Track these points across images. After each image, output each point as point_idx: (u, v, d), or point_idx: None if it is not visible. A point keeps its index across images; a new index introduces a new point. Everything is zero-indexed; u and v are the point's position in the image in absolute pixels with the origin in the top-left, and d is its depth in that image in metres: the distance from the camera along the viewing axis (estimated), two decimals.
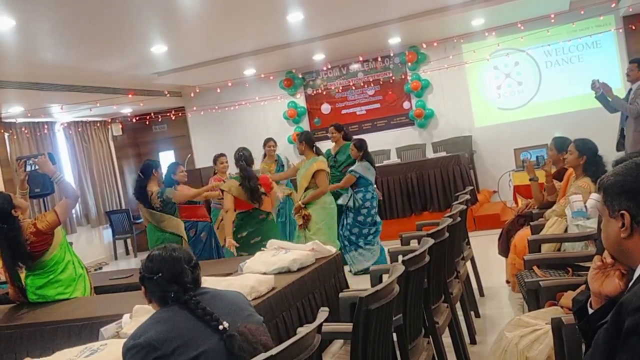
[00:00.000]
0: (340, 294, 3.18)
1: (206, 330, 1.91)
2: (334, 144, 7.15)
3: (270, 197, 5.36)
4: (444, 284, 3.62)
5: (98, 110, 9.74)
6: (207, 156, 10.69)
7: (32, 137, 9.69)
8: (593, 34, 9.19)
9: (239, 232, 5.25)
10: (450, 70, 9.87)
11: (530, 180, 4.99)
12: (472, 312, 4.46)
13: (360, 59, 10.32)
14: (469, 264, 4.94)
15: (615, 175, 1.56)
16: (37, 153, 7.17)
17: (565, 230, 4.07)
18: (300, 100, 10.99)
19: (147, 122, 11.55)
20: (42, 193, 7.81)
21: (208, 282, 2.72)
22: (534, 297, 3.00)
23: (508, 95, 9.88)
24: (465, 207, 4.55)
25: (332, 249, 3.93)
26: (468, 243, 5.08)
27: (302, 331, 1.86)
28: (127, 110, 10.95)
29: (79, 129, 10.78)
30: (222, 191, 5.27)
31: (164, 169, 5.70)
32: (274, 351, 1.63)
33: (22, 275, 3.94)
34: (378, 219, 6.70)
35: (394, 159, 9.77)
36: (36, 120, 9.68)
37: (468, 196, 5.01)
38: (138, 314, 2.68)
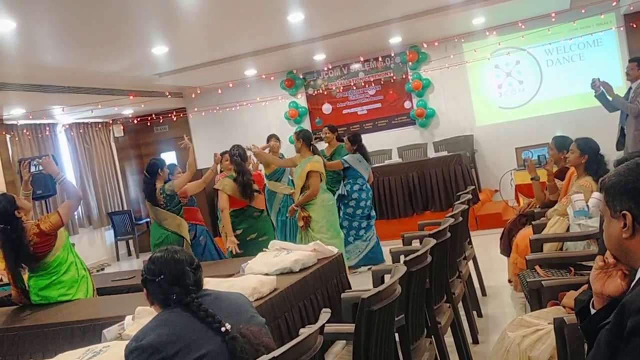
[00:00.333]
0: (343, 295, 3.18)
1: (208, 332, 1.91)
2: (327, 144, 7.17)
3: (263, 195, 5.51)
4: (446, 284, 3.62)
5: (99, 112, 9.74)
6: (209, 157, 10.68)
7: (34, 139, 9.70)
8: (594, 32, 9.18)
9: (235, 230, 5.37)
10: (451, 70, 9.87)
11: (531, 179, 4.99)
12: (475, 312, 4.45)
13: (361, 58, 10.32)
14: (471, 263, 4.93)
15: (617, 176, 1.56)
16: (40, 154, 7.20)
17: (567, 230, 4.07)
18: (302, 100, 10.99)
19: (149, 123, 11.56)
20: (44, 195, 7.83)
21: (210, 283, 2.72)
22: (536, 297, 3.00)
23: (509, 94, 9.87)
24: (466, 206, 4.54)
25: (334, 250, 3.92)
26: (470, 243, 5.08)
27: (304, 332, 1.86)
28: (128, 112, 10.96)
29: (81, 131, 10.79)
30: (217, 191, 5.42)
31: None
32: (276, 353, 1.63)
33: (25, 277, 3.95)
34: (373, 213, 6.76)
35: (395, 158, 9.77)
36: (38, 122, 9.69)
37: (470, 196, 5.00)
38: (140, 316, 2.68)
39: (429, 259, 2.98)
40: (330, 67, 10.58)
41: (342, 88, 10.73)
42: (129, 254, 11.18)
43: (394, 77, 10.38)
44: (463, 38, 9.57)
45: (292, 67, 10.55)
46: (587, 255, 3.52)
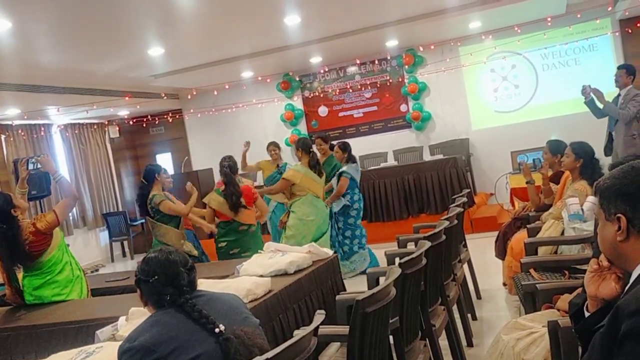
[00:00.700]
0: (337, 297, 3.17)
1: (202, 333, 1.91)
2: (321, 155, 6.87)
3: (252, 210, 5.39)
4: (441, 287, 3.62)
5: (95, 113, 9.72)
6: (205, 158, 10.73)
7: (29, 139, 9.68)
8: (590, 37, 9.21)
9: (220, 242, 5.37)
10: (448, 73, 9.89)
11: (526, 183, 5.00)
12: (469, 315, 4.46)
13: (358, 61, 10.33)
14: (465, 266, 4.94)
15: (612, 179, 1.57)
16: (37, 154, 7.17)
17: (562, 233, 4.08)
18: (298, 102, 10.99)
19: (144, 125, 11.54)
20: (39, 195, 7.88)
21: (204, 284, 2.72)
22: (531, 300, 3.01)
23: (505, 98, 9.90)
24: (462, 209, 4.55)
25: (329, 252, 3.92)
26: (465, 245, 5.08)
27: (298, 334, 1.86)
28: (124, 113, 10.95)
29: (76, 131, 10.77)
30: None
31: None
32: (269, 354, 1.63)
33: (20, 276, 3.95)
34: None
35: (391, 161, 9.78)
36: (33, 122, 9.66)
37: (465, 199, 5.01)
38: (134, 317, 2.67)
39: (424, 261, 2.98)
40: (326, 69, 10.58)
41: (338, 91, 10.74)
42: (124, 255, 11.15)
43: (390, 80, 10.39)
44: (459, 42, 9.59)
45: (288, 69, 10.55)
46: (581, 259, 3.53)
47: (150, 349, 1.83)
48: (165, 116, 11.29)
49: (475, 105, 10.02)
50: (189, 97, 10.64)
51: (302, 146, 6.14)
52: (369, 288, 3.40)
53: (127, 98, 9.26)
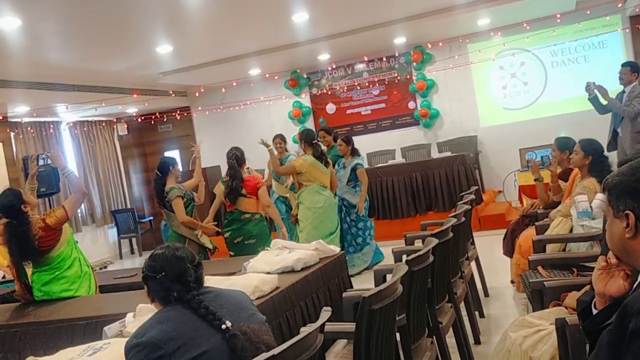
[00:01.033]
0: (344, 294, 3.17)
1: (209, 330, 1.91)
2: (326, 147, 7.03)
3: (254, 199, 5.43)
4: (448, 284, 3.61)
5: (103, 110, 9.76)
6: (213, 156, 10.72)
7: (38, 136, 9.73)
8: (599, 34, 9.15)
9: (225, 232, 5.48)
10: (456, 70, 9.85)
11: (535, 180, 4.98)
12: (477, 312, 4.45)
13: (366, 59, 10.31)
14: (473, 264, 4.93)
15: (620, 175, 1.55)
16: (47, 151, 7.22)
17: (571, 231, 4.05)
18: (305, 100, 10.99)
19: (153, 122, 11.57)
20: (48, 192, 7.93)
21: (212, 281, 2.73)
22: (539, 298, 2.99)
23: (514, 95, 9.85)
24: (469, 207, 4.54)
25: (336, 249, 3.92)
26: (473, 243, 5.07)
27: (304, 331, 1.86)
28: (132, 110, 10.99)
29: (85, 129, 10.82)
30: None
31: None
32: (275, 351, 1.63)
33: (29, 272, 3.98)
34: None
35: (399, 158, 9.75)
36: (42, 119, 9.72)
37: (473, 196, 4.99)
38: (142, 313, 2.68)
39: (431, 258, 2.97)
40: (334, 67, 10.57)
41: (346, 88, 10.72)
42: (132, 252, 11.20)
43: (398, 78, 10.37)
44: (468, 39, 9.55)
45: (296, 66, 10.54)
46: (590, 256, 3.50)
47: (157, 345, 1.83)
48: (173, 114, 11.32)
49: (484, 103, 9.98)
50: (197, 94, 10.66)
51: (305, 138, 6.24)
52: (376, 285, 3.41)
53: (135, 95, 9.30)
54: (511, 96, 9.86)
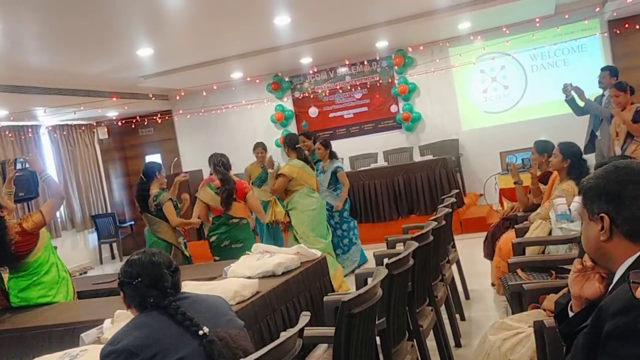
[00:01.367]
0: (325, 298, 3.16)
1: (186, 336, 1.89)
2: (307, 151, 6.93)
3: (243, 204, 5.43)
4: (429, 287, 3.62)
5: (83, 114, 9.67)
6: (195, 160, 10.69)
7: (17, 140, 9.61)
8: (578, 38, 9.26)
9: (211, 236, 5.41)
10: (437, 74, 9.90)
11: (514, 183, 5.02)
12: (458, 315, 4.46)
13: (347, 62, 10.33)
14: (454, 267, 4.94)
15: (595, 179, 1.57)
16: (25, 155, 7.12)
17: (550, 233, 4.09)
18: (288, 103, 10.97)
19: (134, 126, 11.48)
20: (26, 197, 7.75)
21: (189, 286, 2.70)
22: (517, 300, 3.01)
23: (494, 98, 9.93)
24: (450, 210, 4.56)
25: (318, 253, 3.90)
26: (454, 246, 5.09)
27: (283, 335, 1.85)
28: (113, 114, 10.89)
29: (64, 133, 10.70)
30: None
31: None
32: (253, 356, 1.62)
33: (5, 278, 3.91)
34: None
35: (381, 162, 9.79)
36: (20, 123, 9.59)
37: (453, 199, 5.02)
38: (119, 319, 2.65)
39: (411, 262, 2.97)
40: (316, 70, 10.58)
41: (328, 91, 10.73)
42: (113, 257, 11.09)
43: (380, 81, 10.40)
44: (448, 43, 9.60)
45: (278, 70, 10.53)
46: (568, 259, 3.53)
47: (132, 352, 1.82)
48: (154, 117, 11.24)
49: (465, 106, 10.05)
50: (178, 98, 10.60)
51: (289, 142, 6.16)
52: (357, 289, 3.40)
53: (114, 99, 9.21)
54: (492, 100, 9.93)
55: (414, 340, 3.16)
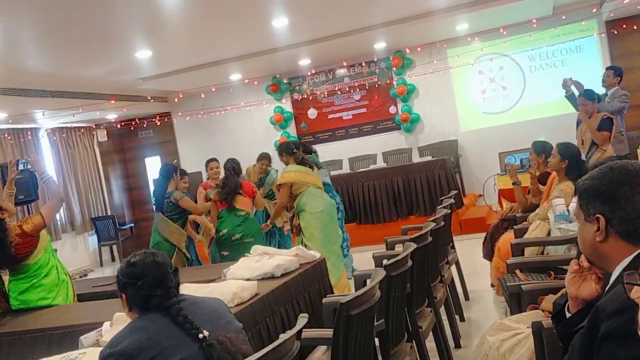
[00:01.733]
0: (324, 300, 3.17)
1: (185, 339, 1.89)
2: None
3: (248, 199, 5.67)
4: (428, 288, 3.62)
5: (82, 116, 9.67)
6: (194, 161, 10.68)
7: (16, 143, 9.61)
8: (576, 38, 9.27)
9: (220, 230, 5.52)
10: (436, 75, 9.91)
11: (513, 184, 5.03)
12: (457, 316, 4.46)
13: (346, 64, 10.34)
14: (454, 267, 4.95)
15: (591, 179, 1.57)
16: (27, 156, 7.12)
17: (548, 234, 4.09)
18: (287, 105, 10.98)
19: (133, 128, 11.49)
20: (26, 200, 7.80)
21: (188, 289, 2.70)
22: (516, 301, 3.01)
23: (493, 99, 9.94)
24: (449, 211, 4.56)
25: (317, 254, 3.90)
26: (453, 247, 5.09)
27: (281, 338, 1.85)
28: (112, 116, 10.89)
29: (64, 135, 10.70)
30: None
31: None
32: (251, 358, 1.62)
33: (5, 281, 3.92)
34: None
35: (380, 163, 9.80)
36: (20, 126, 9.60)
37: (452, 200, 5.02)
38: (118, 322, 2.64)
39: (409, 263, 2.98)
40: (315, 72, 10.59)
41: (327, 93, 10.74)
42: (113, 259, 11.09)
43: (379, 83, 10.41)
44: (446, 44, 9.62)
45: (277, 71, 10.55)
46: (567, 259, 3.53)
47: (131, 354, 1.81)
48: (153, 119, 11.25)
49: (464, 107, 10.06)
50: (176, 100, 10.60)
51: (285, 150, 6.05)
52: (356, 290, 3.41)
53: (112, 101, 9.22)
54: (490, 100, 9.95)
55: (413, 341, 3.16)
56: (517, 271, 3.59)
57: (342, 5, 6.84)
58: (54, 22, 5.49)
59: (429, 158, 8.98)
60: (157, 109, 11.25)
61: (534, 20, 8.69)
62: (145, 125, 11.44)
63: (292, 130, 10.93)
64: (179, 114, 11.32)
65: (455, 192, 6.05)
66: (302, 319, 2.08)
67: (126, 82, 8.97)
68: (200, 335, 1.88)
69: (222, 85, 10.19)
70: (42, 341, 3.19)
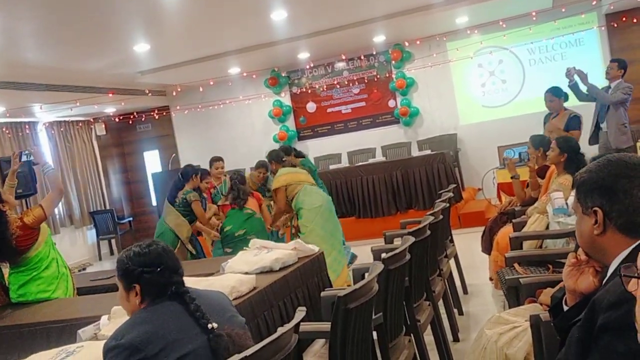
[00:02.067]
0: (322, 293, 3.17)
1: (195, 329, 1.87)
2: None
3: (255, 201, 5.90)
4: (426, 282, 3.62)
5: (81, 110, 9.65)
6: (193, 155, 10.67)
7: (14, 137, 9.60)
8: (575, 31, 9.25)
9: (225, 227, 5.69)
10: (435, 69, 9.89)
11: (511, 178, 5.03)
12: (456, 310, 4.47)
13: (345, 57, 10.31)
14: (452, 261, 4.95)
15: (588, 173, 1.57)
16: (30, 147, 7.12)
17: (547, 227, 4.09)
18: (286, 98, 10.96)
19: (131, 122, 11.47)
20: (25, 194, 7.84)
21: (188, 282, 2.69)
22: (514, 294, 3.01)
23: (492, 93, 9.92)
24: (447, 204, 4.56)
25: (315, 248, 3.90)
26: (452, 241, 5.09)
27: (279, 331, 1.85)
28: (110, 110, 10.87)
29: (62, 129, 10.69)
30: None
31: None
32: (249, 351, 1.62)
33: (6, 274, 3.93)
34: None
35: (379, 157, 9.79)
36: (18, 120, 9.58)
37: (451, 194, 5.02)
38: (116, 316, 2.65)
39: (408, 256, 2.98)
40: (314, 65, 10.56)
41: (326, 87, 10.72)
42: (111, 253, 11.09)
43: (378, 76, 10.39)
44: (446, 37, 9.60)
45: (275, 65, 10.52)
46: (565, 253, 3.51)
47: (137, 347, 1.77)
48: (152, 113, 11.22)
49: (463, 101, 10.04)
50: (174, 93, 10.57)
51: (275, 158, 6.15)
52: (355, 284, 3.41)
53: (110, 95, 9.20)
54: (490, 94, 9.93)
55: (412, 335, 3.16)
56: (516, 265, 3.60)
57: None
58: (52, 15, 5.47)
59: (428, 152, 8.97)
60: (155, 103, 11.23)
61: (534, 13, 8.66)
62: (143, 119, 11.42)
63: (290, 124, 10.92)
64: (178, 107, 11.30)
65: (454, 185, 6.05)
66: (300, 312, 2.08)
67: (124, 76, 8.95)
68: (210, 326, 1.87)
69: (221, 78, 10.16)
70: (41, 334, 3.20)
